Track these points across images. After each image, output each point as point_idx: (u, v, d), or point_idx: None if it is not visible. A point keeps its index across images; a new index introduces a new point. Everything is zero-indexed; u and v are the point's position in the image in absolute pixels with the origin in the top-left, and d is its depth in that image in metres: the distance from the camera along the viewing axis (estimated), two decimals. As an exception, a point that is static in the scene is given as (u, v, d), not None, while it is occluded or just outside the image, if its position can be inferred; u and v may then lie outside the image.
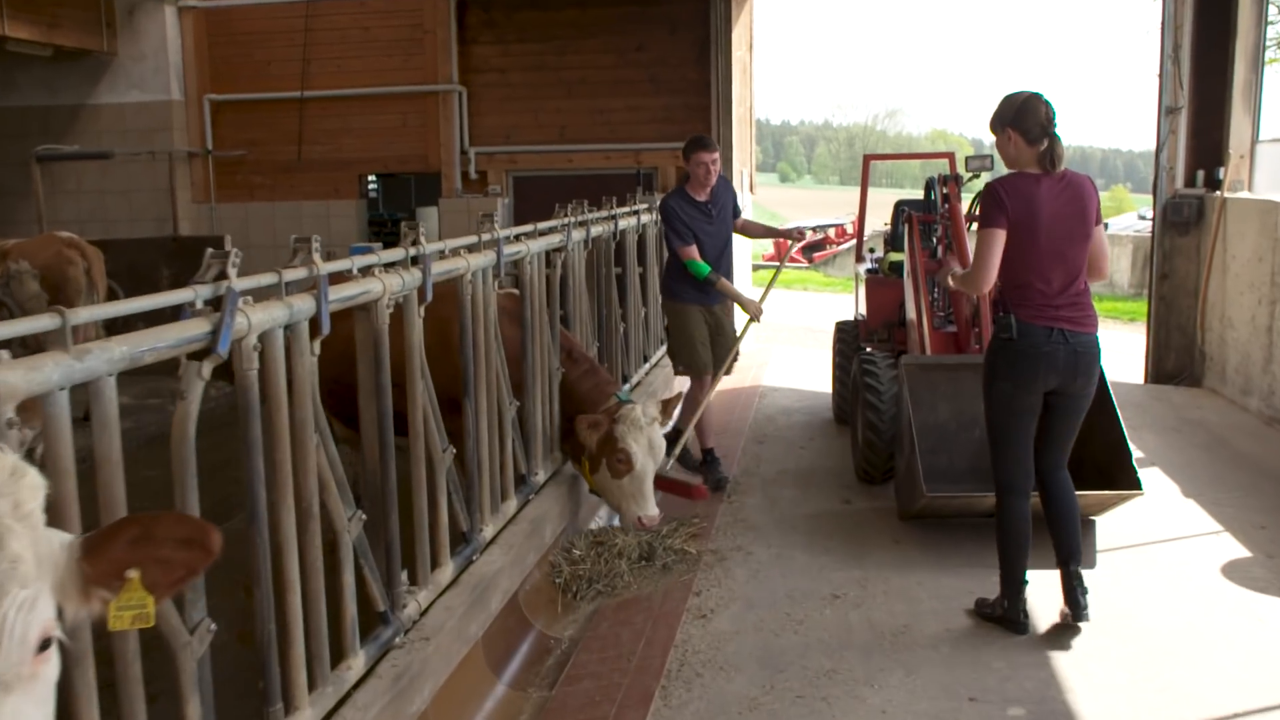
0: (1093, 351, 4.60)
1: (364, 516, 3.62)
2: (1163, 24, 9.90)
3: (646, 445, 5.59)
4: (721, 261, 7.06)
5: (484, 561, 4.66)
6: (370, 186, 17.59)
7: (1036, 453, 4.76)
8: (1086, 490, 5.64)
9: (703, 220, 6.96)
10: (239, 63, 13.90)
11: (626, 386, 7.87)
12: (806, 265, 30.25)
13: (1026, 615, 4.73)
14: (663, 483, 5.99)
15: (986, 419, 4.77)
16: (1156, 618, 4.86)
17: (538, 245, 5.46)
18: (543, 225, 5.77)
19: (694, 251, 6.83)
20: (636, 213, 8.33)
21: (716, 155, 7.00)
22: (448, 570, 4.33)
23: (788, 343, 13.83)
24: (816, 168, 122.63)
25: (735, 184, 13.20)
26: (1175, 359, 10.11)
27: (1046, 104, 4.51)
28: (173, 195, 13.53)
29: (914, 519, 6.01)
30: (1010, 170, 4.63)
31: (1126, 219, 32.61)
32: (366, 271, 3.65)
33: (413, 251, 3.93)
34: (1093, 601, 4.83)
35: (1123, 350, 12.77)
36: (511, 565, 4.86)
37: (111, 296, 9.20)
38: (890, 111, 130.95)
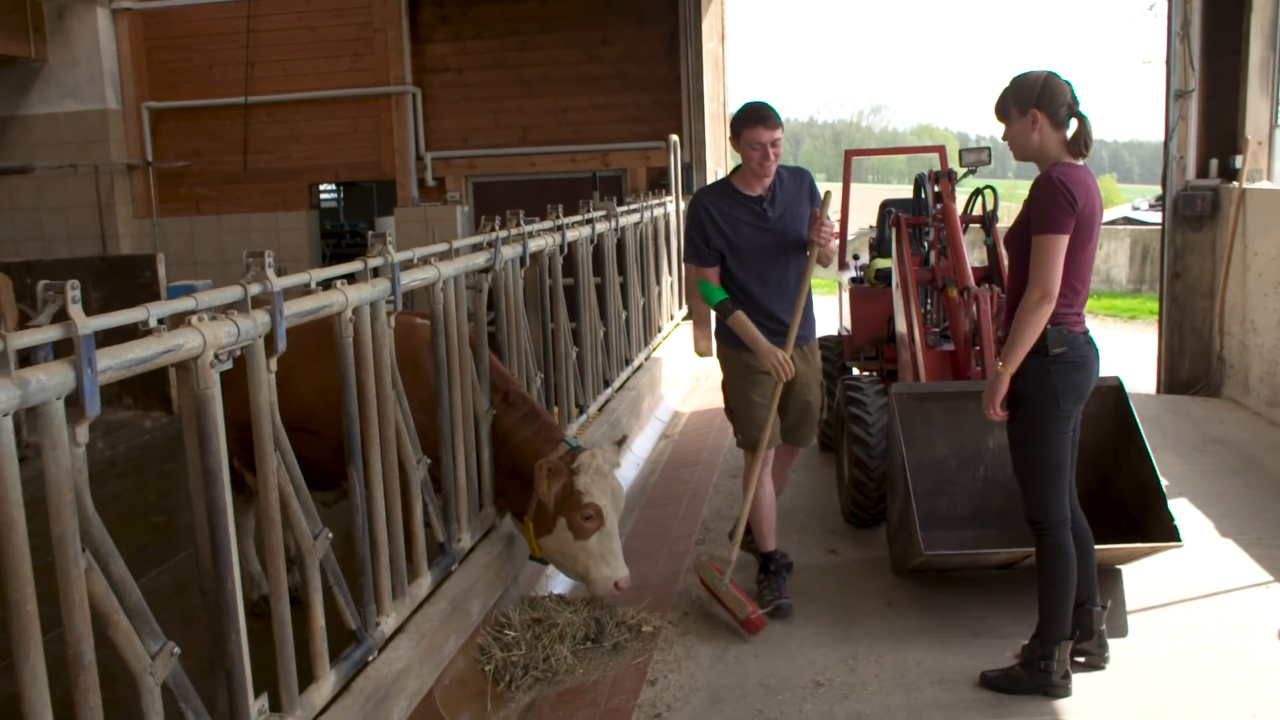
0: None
1: (330, 535, 3.42)
2: (1169, 1, 9.04)
3: (612, 495, 4.72)
4: (776, 283, 4.89)
5: (382, 662, 3.77)
6: (330, 196, 16.76)
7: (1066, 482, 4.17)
8: (1114, 543, 4.82)
9: (751, 223, 4.86)
10: (179, 68, 13.05)
11: (583, 417, 7.00)
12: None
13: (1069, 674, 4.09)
14: (719, 600, 4.87)
15: (1035, 450, 4.04)
16: (1216, 711, 3.97)
17: (452, 268, 4.56)
18: (460, 243, 4.87)
19: (711, 274, 4.89)
20: (590, 221, 7.44)
21: (778, 134, 4.81)
22: (327, 685, 3.43)
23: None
24: (802, 164, 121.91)
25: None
26: (1190, 366, 9.23)
27: (1067, 82, 3.93)
28: (100, 211, 12.64)
29: (911, 573, 5.14)
30: (1023, 161, 4.03)
31: (1119, 210, 31.84)
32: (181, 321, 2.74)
33: (256, 289, 3.03)
34: (1135, 687, 4.07)
35: (1129, 353, 11.94)
36: (423, 660, 3.97)
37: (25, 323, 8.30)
38: (875, 107, 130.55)
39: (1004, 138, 4.04)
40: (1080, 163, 3.94)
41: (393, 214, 12.90)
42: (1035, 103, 3.88)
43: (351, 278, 3.77)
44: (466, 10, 12.55)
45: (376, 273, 3.92)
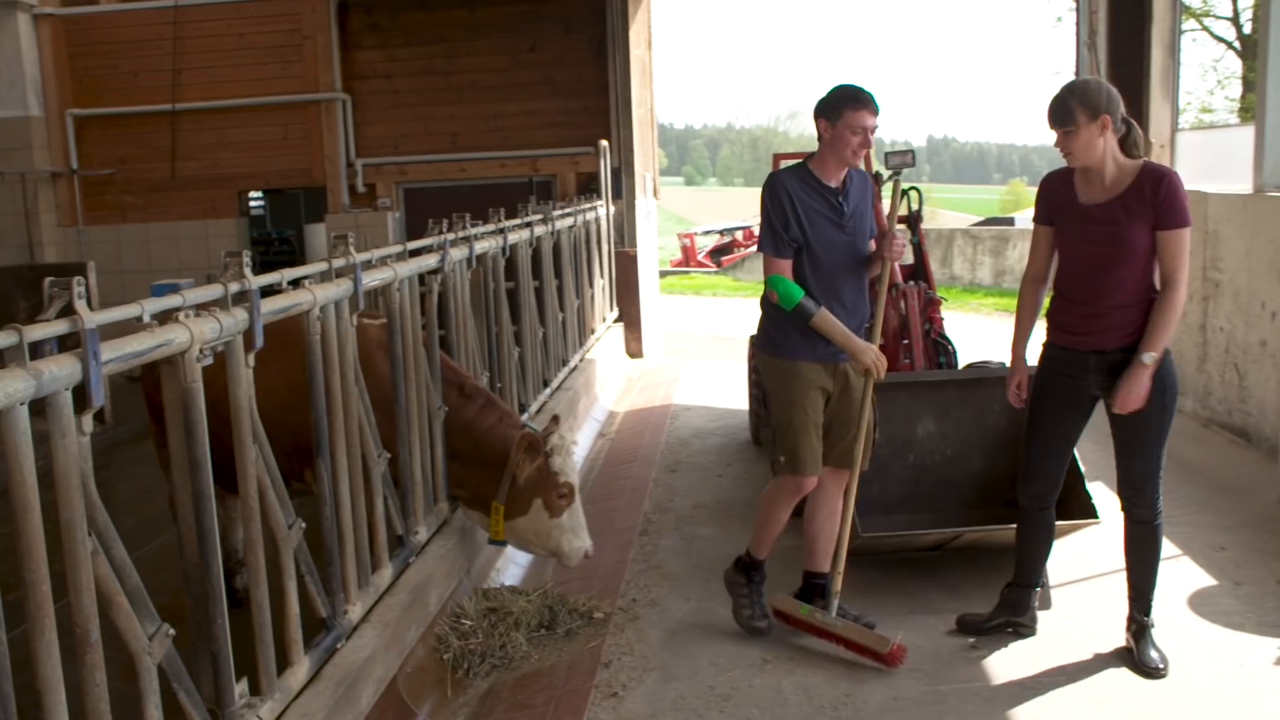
0: None
1: (304, 525, 3.54)
2: (1078, 10, 9.47)
3: (574, 471, 5.00)
4: (845, 287, 4.50)
5: (351, 649, 3.92)
6: (256, 203, 16.67)
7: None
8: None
9: (828, 217, 4.44)
10: (103, 74, 12.93)
11: (525, 416, 7.17)
12: (715, 269, 29.81)
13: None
14: (838, 638, 4.52)
15: (1163, 440, 4.24)
16: (1133, 675, 4.27)
17: (407, 269, 4.72)
18: (414, 245, 5.03)
19: (786, 268, 4.40)
20: (529, 224, 7.61)
21: (877, 121, 4.43)
22: (302, 670, 3.58)
23: (698, 354, 13.24)
24: (721, 170, 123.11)
25: (638, 189, 12.70)
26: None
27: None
28: (27, 219, 12.48)
29: (849, 555, 5.38)
30: (1079, 165, 4.11)
31: (1031, 213, 32.59)
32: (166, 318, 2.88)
33: (236, 286, 3.17)
34: (1060, 655, 4.38)
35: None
36: (388, 647, 4.12)
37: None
38: (791, 113, 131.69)
39: (1060, 143, 4.05)
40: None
41: (323, 221, 12.92)
42: (1106, 109, 3.97)
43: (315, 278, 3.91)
44: (395, 17, 12.63)
45: (339, 273, 4.06)
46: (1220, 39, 23.49)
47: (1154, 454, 4.20)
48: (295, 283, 3.78)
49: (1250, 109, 8.99)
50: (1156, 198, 3.94)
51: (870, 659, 4.38)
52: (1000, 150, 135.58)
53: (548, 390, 8.04)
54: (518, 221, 7.36)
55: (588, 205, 10.68)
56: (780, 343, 4.51)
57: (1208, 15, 22.90)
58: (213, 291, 3.10)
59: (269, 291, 3.57)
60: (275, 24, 12.76)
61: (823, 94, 4.49)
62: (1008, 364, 4.66)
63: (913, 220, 6.61)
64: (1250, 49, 21.05)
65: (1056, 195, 4.24)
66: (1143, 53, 9.19)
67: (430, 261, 5.18)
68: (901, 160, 6.56)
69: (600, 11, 12.36)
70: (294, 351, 3.88)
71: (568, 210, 9.45)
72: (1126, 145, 4.04)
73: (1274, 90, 6.74)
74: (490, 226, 6.56)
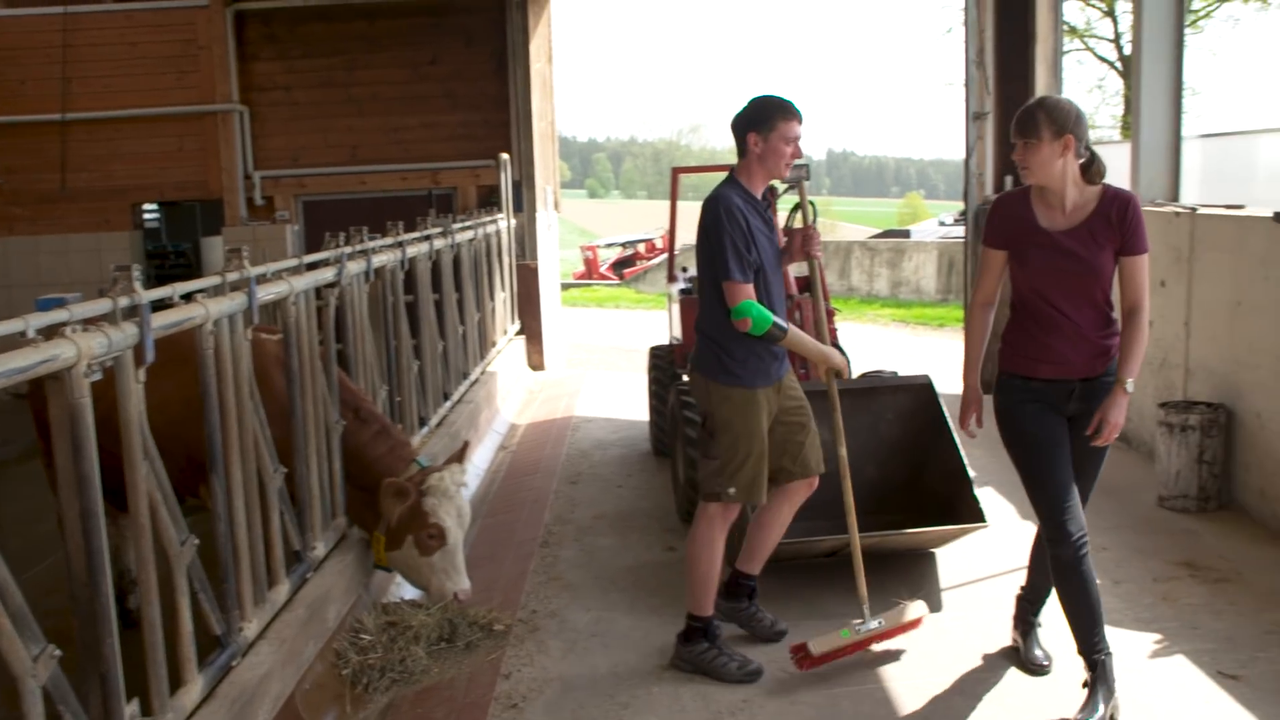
0: None
1: (197, 542, 3.46)
2: (966, 29, 9.74)
3: (456, 515, 4.93)
4: (778, 298, 4.47)
5: (247, 666, 3.87)
6: (151, 216, 16.32)
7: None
8: (928, 526, 5.28)
9: (765, 232, 4.40)
10: (-12, 82, 12.56)
11: (425, 429, 7.14)
12: (617, 282, 29.91)
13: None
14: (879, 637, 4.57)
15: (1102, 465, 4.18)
16: (1016, 668, 4.42)
17: (303, 282, 4.69)
18: (310, 258, 5.00)
19: (752, 291, 4.27)
20: (429, 237, 7.60)
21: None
22: (195, 689, 3.53)
23: (601, 366, 13.30)
24: (624, 183, 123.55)
25: (539, 202, 12.73)
26: (993, 367, 9.88)
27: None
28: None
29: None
30: (1034, 182, 3.95)
31: (927, 225, 33.37)
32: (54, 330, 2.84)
33: (125, 301, 3.14)
34: (949, 655, 4.49)
35: (940, 357, 12.67)
36: (284, 664, 4.09)
37: None
38: (693, 126, 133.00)
39: (1019, 155, 3.91)
40: None
41: (220, 234, 12.71)
42: (1071, 129, 3.82)
43: (208, 292, 3.88)
44: (293, 29, 12.50)
45: (233, 287, 4.03)
46: (1103, 59, 24.32)
47: (1096, 478, 4.16)
48: (188, 297, 3.74)
49: (1130, 126, 9.36)
50: (1124, 223, 3.85)
51: (903, 633, 4.61)
52: (898, 164, 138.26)
53: (448, 403, 8.02)
54: (416, 235, 7.34)
55: (488, 218, 10.68)
56: (737, 372, 4.37)
57: (1091, 36, 23.67)
58: (101, 306, 3.06)
59: (162, 306, 3.53)
60: (169, 33, 12.54)
61: (743, 108, 4.43)
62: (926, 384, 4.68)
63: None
64: (1130, 69, 21.85)
65: (1014, 219, 4.00)
66: (1028, 71, 9.50)
67: (327, 275, 5.15)
68: (797, 174, 6.70)
69: (501, 25, 12.39)
70: (189, 366, 3.83)
71: (467, 223, 9.45)
72: (1089, 174, 3.91)
73: (1148, 109, 7.01)
74: (388, 240, 6.53)
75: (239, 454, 3.99)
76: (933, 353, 13.54)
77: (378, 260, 6.05)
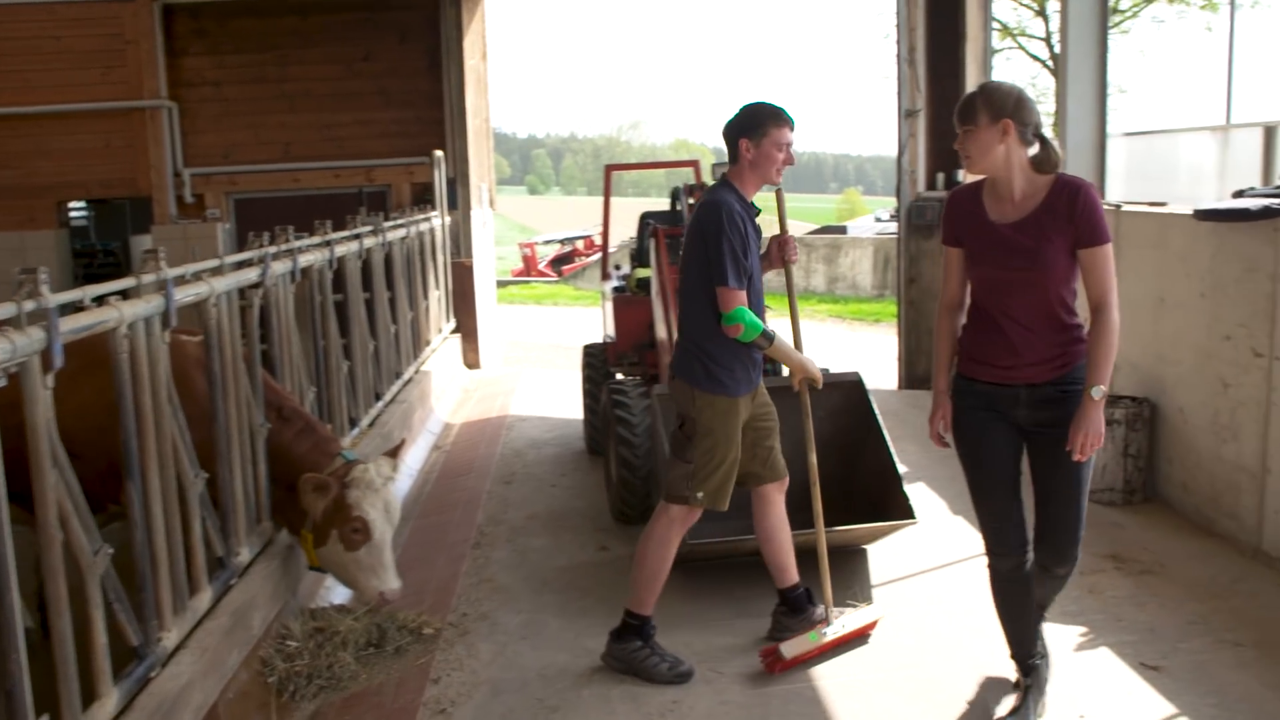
0: None
1: (111, 550, 3.37)
2: (897, 27, 9.82)
3: (383, 509, 4.84)
4: (759, 303, 4.46)
5: (166, 677, 3.79)
6: (80, 214, 16.01)
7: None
8: (858, 523, 5.30)
9: (755, 239, 4.42)
10: (-96, 76, 12.21)
11: (355, 430, 7.06)
12: (556, 279, 29.83)
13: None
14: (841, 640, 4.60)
15: (1089, 478, 3.81)
16: (944, 663, 4.45)
17: (224, 283, 4.61)
18: (232, 259, 4.91)
19: (745, 297, 4.29)
20: (359, 236, 7.51)
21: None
22: (110, 702, 3.44)
23: (537, 364, 13.24)
24: (564, 179, 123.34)
25: (474, 199, 12.64)
26: (926, 363, 10.01)
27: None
28: None
29: (677, 564, 5.46)
30: (976, 172, 3.75)
31: (864, 221, 33.62)
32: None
33: (31, 305, 3.05)
34: (879, 650, 4.53)
35: (875, 352, 12.78)
36: (206, 673, 4.00)
37: None
38: (633, 123, 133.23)
39: (960, 143, 3.69)
40: None
41: (150, 232, 12.48)
42: (1010, 113, 3.58)
43: (125, 294, 3.79)
44: (224, 23, 12.29)
45: (150, 289, 3.94)
46: (1035, 57, 24.63)
47: (1079, 501, 3.74)
48: (101, 300, 3.65)
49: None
50: (1074, 212, 3.56)
51: (862, 635, 4.66)
52: (836, 160, 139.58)
53: (381, 403, 7.93)
54: (346, 234, 7.25)
55: (421, 216, 10.59)
56: (723, 380, 4.37)
57: (1023, 35, 23.97)
58: (4, 310, 2.98)
59: (76, 309, 3.45)
60: (94, 28, 12.25)
61: (735, 114, 4.40)
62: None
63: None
64: (1059, 68, 22.12)
65: (964, 214, 3.78)
66: (958, 68, 9.59)
67: (250, 275, 5.06)
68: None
69: (435, 21, 12.27)
70: (108, 369, 3.74)
71: (400, 221, 9.36)
72: (1039, 162, 3.62)
73: (1074, 107, 7.09)
74: (315, 239, 6.44)
75: (157, 460, 3.90)
76: (869, 348, 13.65)
77: (304, 260, 5.96)
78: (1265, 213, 5.20)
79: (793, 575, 4.79)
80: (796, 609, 4.78)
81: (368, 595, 4.83)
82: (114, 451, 4.06)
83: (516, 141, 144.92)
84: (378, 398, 7.91)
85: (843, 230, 29.23)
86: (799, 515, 5.52)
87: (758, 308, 4.37)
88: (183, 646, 4.03)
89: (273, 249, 5.44)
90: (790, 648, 4.43)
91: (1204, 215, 5.60)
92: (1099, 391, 3.55)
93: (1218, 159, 6.32)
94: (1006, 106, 3.58)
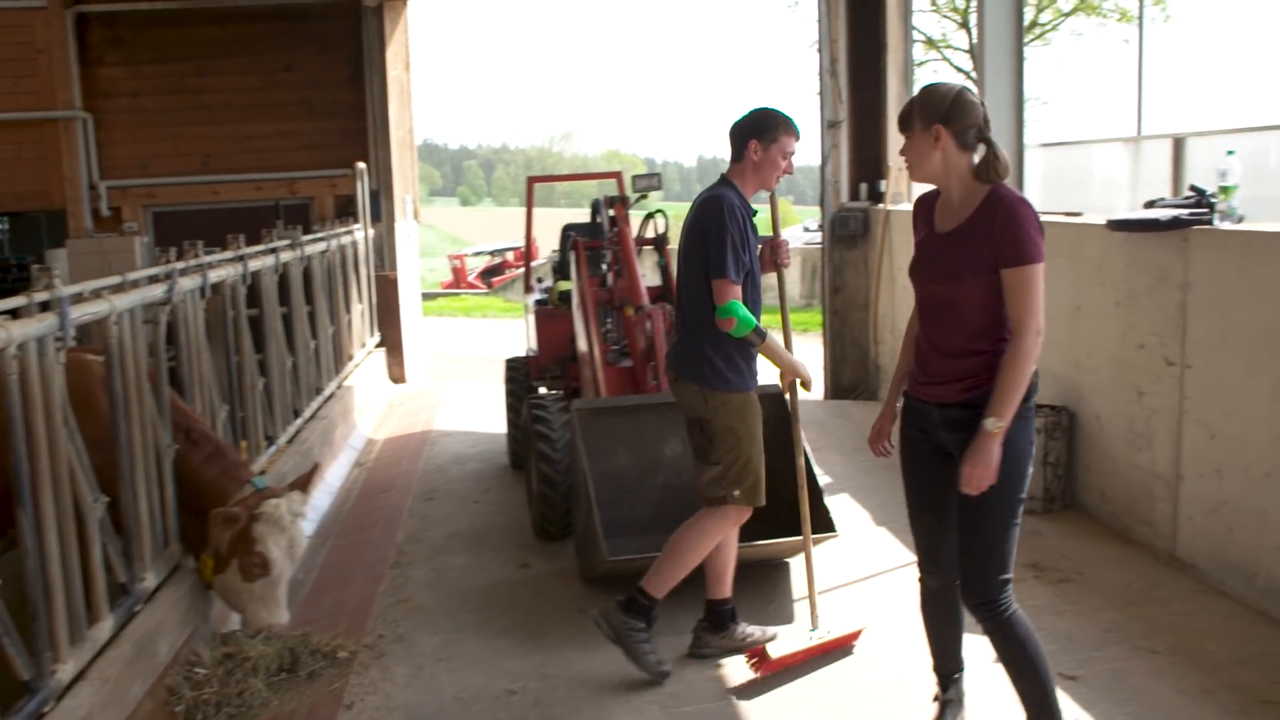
0: None
1: None
2: (820, 39, 9.86)
3: (287, 546, 4.74)
4: (756, 305, 4.43)
5: (61, 712, 3.65)
6: (-10, 227, 15.58)
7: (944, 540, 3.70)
8: (780, 537, 5.27)
9: (754, 236, 4.45)
10: None
11: (272, 449, 6.92)
12: (485, 291, 29.66)
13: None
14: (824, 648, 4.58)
15: (1010, 513, 3.47)
16: (867, 677, 4.43)
17: (126, 301, 4.47)
18: (135, 275, 4.78)
19: (740, 291, 4.28)
20: (274, 250, 7.36)
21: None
22: (-1, 737, 3.32)
23: (465, 377, 13.11)
24: (496, 190, 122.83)
25: (398, 211, 12.48)
26: (851, 372, 10.07)
27: (981, 100, 3.47)
28: None
29: (599, 580, 5.40)
30: (920, 180, 3.57)
31: (793, 231, 33.79)
32: None
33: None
34: (795, 670, 4.49)
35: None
36: (106, 705, 3.87)
37: None
38: (565, 134, 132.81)
39: (902, 152, 3.57)
40: None
41: (65, 246, 12.16)
42: (941, 118, 3.38)
43: (15, 313, 3.66)
44: (140, 33, 12.03)
45: (45, 307, 3.81)
46: (959, 69, 24.93)
47: (990, 525, 3.46)
48: (-11, 319, 3.52)
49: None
50: (993, 228, 3.32)
51: (839, 647, 4.61)
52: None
53: (300, 420, 7.78)
54: (261, 248, 7.11)
55: (343, 229, 10.44)
56: (731, 377, 4.36)
57: (947, 46, 24.30)
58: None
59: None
60: (4, 36, 11.93)
61: (746, 115, 4.43)
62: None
63: (660, 242, 6.73)
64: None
65: (919, 220, 3.64)
66: (880, 80, 9.65)
67: (155, 292, 4.93)
68: (648, 183, 6.71)
69: (357, 31, 12.12)
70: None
71: (319, 235, 9.21)
72: (980, 170, 3.38)
73: (992, 118, 7.13)
74: (227, 254, 6.30)
75: (51, 484, 3.76)
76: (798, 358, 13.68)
77: (215, 275, 5.82)
78: (1174, 223, 5.27)
79: (726, 589, 4.74)
80: (719, 626, 4.74)
81: (255, 625, 4.74)
82: (9, 476, 3.92)
83: (448, 152, 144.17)
84: (296, 414, 7.76)
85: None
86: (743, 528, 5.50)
87: (755, 308, 4.34)
88: (81, 678, 3.90)
89: (180, 265, 5.30)
90: (776, 649, 4.44)
91: (1116, 225, 5.66)
92: (993, 424, 3.30)
93: (1130, 170, 6.40)
94: (939, 111, 3.39)
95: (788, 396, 4.67)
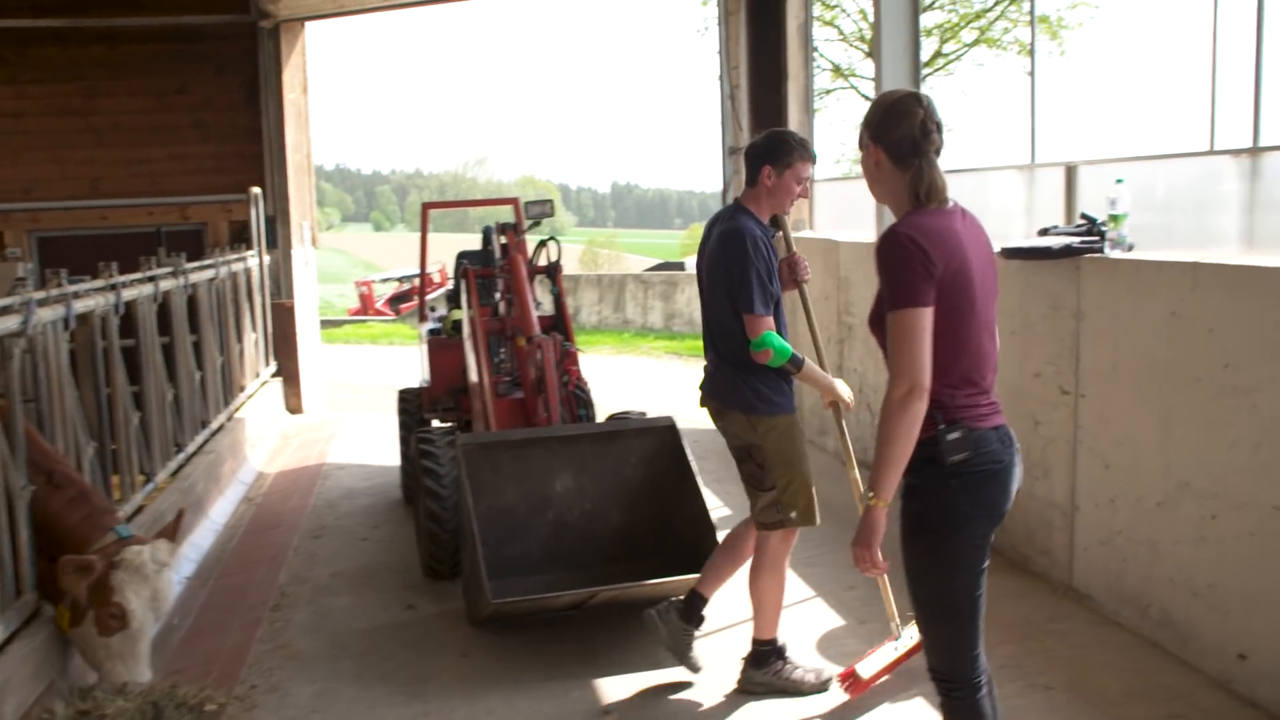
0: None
1: None
2: (720, 66, 9.81)
3: (149, 598, 4.43)
4: (786, 329, 4.40)
5: (-115, 780, 3.37)
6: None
7: (980, 636, 3.16)
8: (674, 573, 5.12)
9: (775, 263, 4.36)
10: None
11: (150, 486, 6.60)
12: (393, 318, 29.25)
13: None
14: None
15: (939, 589, 3.06)
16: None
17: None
18: (-16, 306, 4.48)
19: (772, 322, 4.23)
20: (154, 279, 7.06)
21: None
22: None
23: (366, 407, 12.80)
24: (409, 215, 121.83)
25: (295, 238, 12.17)
26: (755, 401, 9.94)
27: (927, 108, 3.02)
28: None
29: (486, 622, 5.20)
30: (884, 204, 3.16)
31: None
32: None
33: None
34: (699, 708, 4.39)
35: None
36: (-60, 771, 3.58)
37: None
38: (479, 159, 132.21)
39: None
40: (950, 205, 3.04)
41: (-61, 273, 11.65)
42: (873, 131, 3.03)
43: None
44: (24, 51, 11.59)
45: None
46: (866, 97, 25.20)
47: (918, 601, 3.11)
48: None
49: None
50: (879, 266, 2.98)
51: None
52: (680, 196, 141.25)
53: (182, 455, 7.45)
54: (138, 275, 6.80)
55: (235, 256, 10.11)
56: (777, 399, 4.32)
57: (854, 75, 24.53)
58: None
59: None
60: (-123, 54, 11.47)
61: (761, 138, 4.40)
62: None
63: (552, 270, 6.57)
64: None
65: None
66: (781, 106, 9.61)
67: (9, 324, 4.64)
68: (541, 210, 6.56)
69: (253, 53, 11.82)
70: None
71: (207, 262, 8.89)
72: (913, 188, 3.00)
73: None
74: (98, 283, 6.00)
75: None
76: (692, 383, 13.61)
77: (82, 305, 5.52)
78: (1066, 251, 5.24)
79: (713, 590, 4.69)
80: (688, 616, 4.64)
81: (112, 682, 4.42)
82: None
83: (361, 177, 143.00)
84: (179, 449, 7.43)
85: (680, 267, 29.39)
86: (614, 569, 5.35)
87: (783, 330, 4.32)
88: (-88, 743, 3.60)
89: (38, 295, 5.00)
90: (866, 668, 4.39)
91: (1010, 253, 5.62)
92: (868, 497, 2.95)
93: (1025, 197, 6.41)
94: (872, 122, 3.05)
95: (831, 413, 4.66)
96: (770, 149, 4.34)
